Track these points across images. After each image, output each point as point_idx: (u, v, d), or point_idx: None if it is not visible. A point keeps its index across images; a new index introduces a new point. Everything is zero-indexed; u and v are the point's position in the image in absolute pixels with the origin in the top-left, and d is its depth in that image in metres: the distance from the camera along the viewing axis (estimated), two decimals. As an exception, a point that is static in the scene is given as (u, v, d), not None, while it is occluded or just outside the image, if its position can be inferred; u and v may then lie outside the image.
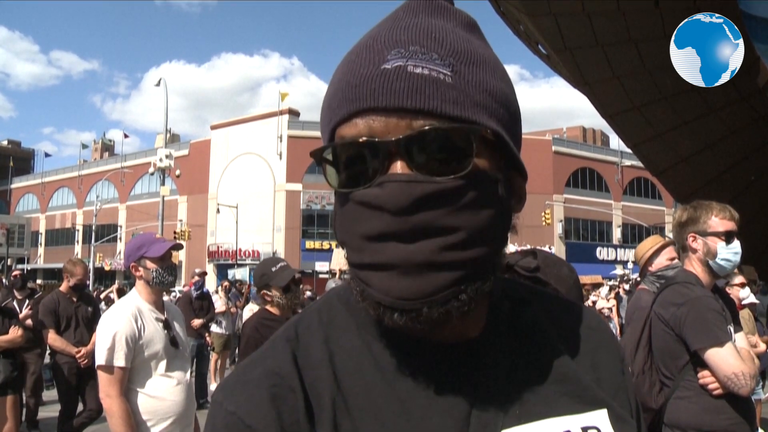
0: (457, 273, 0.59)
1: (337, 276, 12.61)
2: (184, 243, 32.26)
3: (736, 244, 2.46)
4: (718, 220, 2.47)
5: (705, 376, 2.35)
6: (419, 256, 0.58)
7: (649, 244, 3.65)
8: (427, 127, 0.59)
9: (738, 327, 2.54)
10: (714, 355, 2.29)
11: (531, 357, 0.71)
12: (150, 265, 2.96)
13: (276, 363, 0.65)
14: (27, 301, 7.14)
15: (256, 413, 0.61)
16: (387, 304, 0.60)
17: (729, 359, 2.28)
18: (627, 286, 13.04)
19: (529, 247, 1.64)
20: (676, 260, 3.30)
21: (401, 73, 0.59)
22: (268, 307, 3.44)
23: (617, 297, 12.88)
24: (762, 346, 5.25)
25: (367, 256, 0.61)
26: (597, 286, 17.10)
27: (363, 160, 0.61)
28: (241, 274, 16.66)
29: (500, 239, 0.65)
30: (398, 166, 0.59)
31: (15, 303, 6.83)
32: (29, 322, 6.45)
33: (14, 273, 7.64)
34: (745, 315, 5.71)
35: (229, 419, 0.62)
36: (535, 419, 0.66)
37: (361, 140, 0.61)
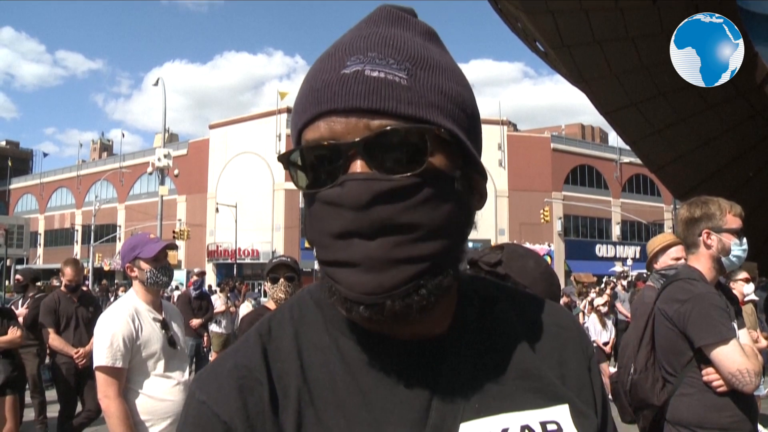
0: (416, 267, 0.63)
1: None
2: (182, 242, 32.25)
3: (744, 241, 2.46)
4: (732, 217, 2.47)
5: (709, 373, 2.34)
6: (379, 252, 0.62)
7: (658, 241, 3.63)
8: (383, 128, 0.63)
9: (741, 323, 2.52)
10: (719, 352, 2.28)
11: (496, 353, 0.74)
12: (144, 265, 2.96)
13: (246, 356, 0.70)
14: (27, 300, 7.13)
15: (223, 403, 0.66)
16: (352, 298, 0.63)
17: (734, 356, 2.26)
18: (625, 283, 13.02)
19: (527, 244, 1.63)
20: (682, 261, 3.28)
21: (359, 77, 0.63)
22: (267, 304, 3.46)
23: (612, 294, 12.86)
24: (763, 342, 5.24)
25: (333, 254, 0.64)
26: (593, 284, 17.10)
27: (326, 161, 0.65)
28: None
29: (459, 235, 0.68)
30: (358, 166, 0.63)
31: (12, 303, 6.81)
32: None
33: (18, 278, 7.65)
34: (748, 310, 5.70)
35: (199, 408, 0.67)
36: (494, 413, 0.69)
37: (323, 143, 0.64)
